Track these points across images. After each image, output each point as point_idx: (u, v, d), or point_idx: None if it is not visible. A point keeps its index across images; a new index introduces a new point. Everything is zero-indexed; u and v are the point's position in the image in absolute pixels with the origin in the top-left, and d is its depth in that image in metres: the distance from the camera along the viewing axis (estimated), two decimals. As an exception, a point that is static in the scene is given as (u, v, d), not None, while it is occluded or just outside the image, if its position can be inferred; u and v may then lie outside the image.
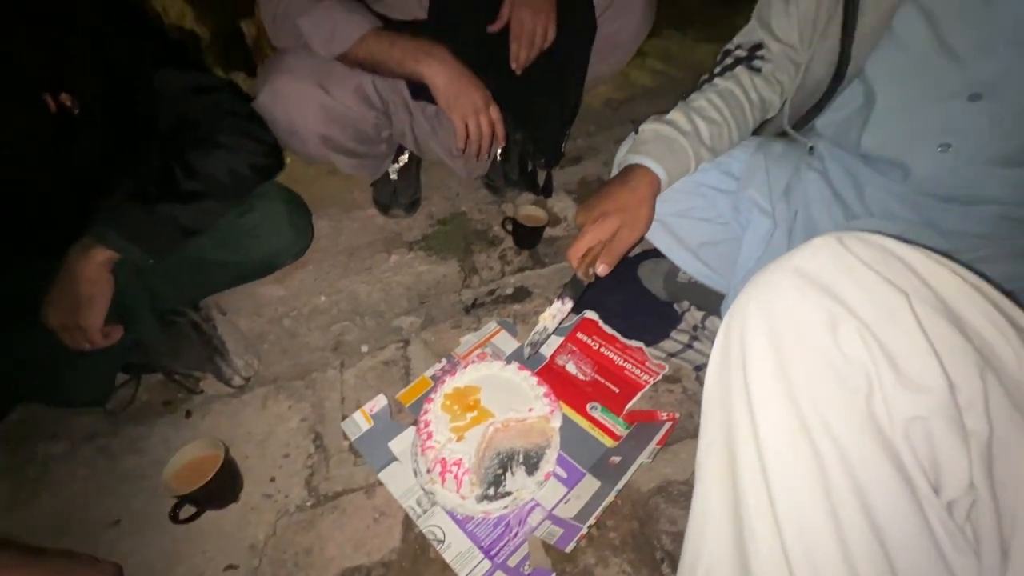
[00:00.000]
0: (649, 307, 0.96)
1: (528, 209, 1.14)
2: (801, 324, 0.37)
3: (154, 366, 0.93)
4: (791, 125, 0.78)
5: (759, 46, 0.74)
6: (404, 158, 1.23)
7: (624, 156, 0.76)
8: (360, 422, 0.84)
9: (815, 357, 0.36)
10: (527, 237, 1.14)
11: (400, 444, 0.82)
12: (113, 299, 0.80)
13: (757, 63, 0.74)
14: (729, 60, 0.75)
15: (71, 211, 0.82)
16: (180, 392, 0.95)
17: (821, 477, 0.35)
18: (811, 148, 0.79)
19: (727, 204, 0.77)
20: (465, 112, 0.90)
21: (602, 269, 0.72)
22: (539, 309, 1.02)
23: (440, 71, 0.88)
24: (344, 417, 0.87)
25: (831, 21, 0.64)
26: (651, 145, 0.73)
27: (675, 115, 0.74)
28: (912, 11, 0.58)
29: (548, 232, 1.18)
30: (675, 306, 0.96)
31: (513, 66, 0.97)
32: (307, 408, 0.91)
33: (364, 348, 0.99)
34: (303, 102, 0.93)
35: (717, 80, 0.74)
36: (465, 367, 0.85)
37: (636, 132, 0.78)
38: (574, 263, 0.74)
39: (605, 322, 0.94)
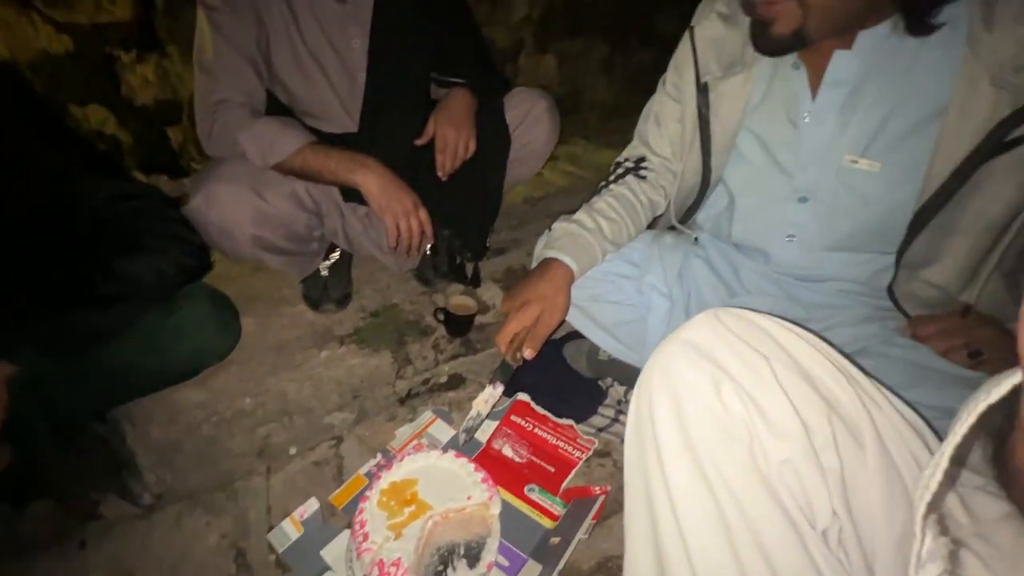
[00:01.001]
0: (576, 385, 1.02)
1: (458, 299, 1.20)
2: (693, 388, 0.44)
3: (45, 490, 0.83)
4: (677, 220, 0.93)
5: (642, 159, 0.90)
6: (335, 255, 1.27)
7: (541, 251, 0.87)
8: (289, 531, 0.79)
9: (707, 415, 0.43)
10: (458, 326, 1.19)
11: (334, 551, 0.77)
12: (5, 414, 0.73)
13: (643, 172, 0.90)
14: (620, 170, 0.91)
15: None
16: (74, 519, 0.84)
17: (723, 526, 0.40)
18: (696, 239, 0.94)
19: (632, 288, 0.88)
20: (396, 215, 0.99)
21: (528, 352, 0.79)
22: (473, 395, 1.05)
23: (372, 179, 0.97)
24: (271, 527, 0.81)
25: (693, 141, 0.81)
26: (562, 241, 0.84)
27: (581, 216, 0.86)
28: (749, 135, 0.75)
29: (478, 320, 1.24)
30: (600, 383, 1.03)
31: (439, 175, 1.09)
32: (228, 522, 0.84)
33: (293, 450, 0.95)
34: (237, 206, 0.97)
35: (612, 186, 0.89)
36: (401, 460, 0.84)
37: (550, 230, 0.90)
38: (502, 348, 0.81)
39: (536, 402, 0.98)
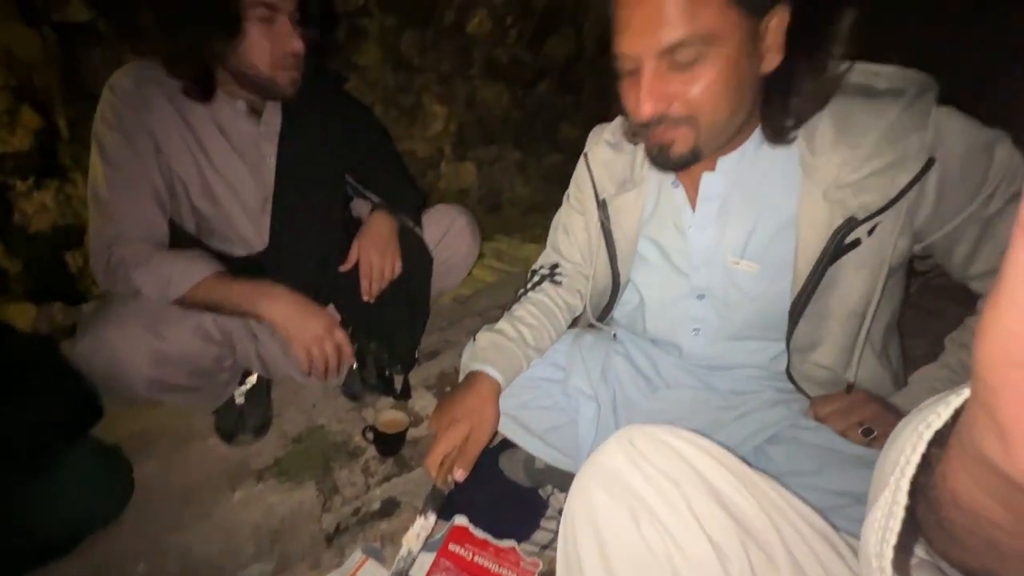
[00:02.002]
0: (515, 497, 0.98)
1: (388, 414, 1.15)
2: (614, 525, 0.45)
3: None
4: (595, 319, 0.97)
5: (556, 265, 0.96)
6: (252, 379, 1.19)
7: (466, 362, 0.87)
8: None
9: (629, 553, 0.43)
10: (389, 444, 1.13)
11: None
12: None
13: (558, 278, 0.95)
14: (536, 278, 0.96)
15: None
16: None
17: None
18: (615, 335, 0.98)
19: (559, 392, 0.89)
20: (306, 342, 0.95)
21: (459, 474, 0.76)
22: (408, 523, 0.97)
23: (276, 309, 0.94)
24: None
25: (599, 248, 0.87)
26: (487, 352, 0.85)
27: (503, 325, 0.89)
28: (647, 241, 0.83)
29: (411, 433, 1.18)
30: (540, 491, 1.00)
31: (365, 298, 1.09)
32: None
33: (196, 622, 0.82)
34: (131, 349, 0.89)
35: (530, 294, 0.93)
36: (326, 618, 0.74)
37: (474, 339, 0.91)
38: (432, 472, 0.77)
39: (474, 521, 0.92)
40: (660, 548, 0.42)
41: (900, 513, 0.28)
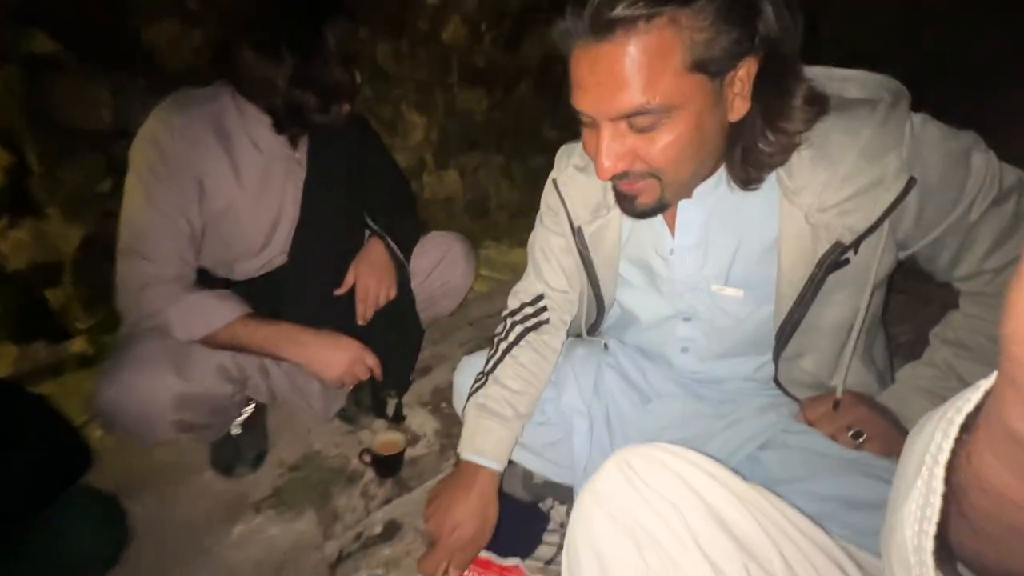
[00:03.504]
0: (516, 513, 0.98)
1: (385, 435, 1.15)
2: (616, 550, 0.45)
3: None
4: (586, 333, 0.97)
5: (540, 297, 0.91)
6: (249, 409, 1.18)
7: (461, 445, 0.85)
8: None
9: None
10: (388, 465, 1.12)
11: None
12: None
13: (543, 317, 0.90)
14: (520, 328, 0.89)
15: None
16: None
17: None
18: (605, 345, 0.98)
19: (552, 409, 0.89)
20: (338, 377, 1.02)
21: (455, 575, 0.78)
22: (411, 547, 0.98)
23: (302, 352, 0.98)
24: None
25: (581, 273, 0.85)
26: (479, 439, 0.83)
27: (493, 398, 0.85)
28: (628, 264, 0.81)
29: (409, 453, 1.18)
30: (540, 506, 1.00)
31: (360, 322, 1.11)
32: None
33: (203, 665, 0.82)
34: (157, 393, 0.91)
35: (515, 351, 0.88)
36: (334, 653, 0.74)
37: (471, 395, 0.88)
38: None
39: (479, 542, 0.93)
40: (662, 574, 0.42)
41: (937, 502, 0.26)
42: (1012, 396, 0.21)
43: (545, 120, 2.82)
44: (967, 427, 0.26)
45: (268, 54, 0.91)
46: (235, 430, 1.16)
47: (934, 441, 0.27)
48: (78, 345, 1.71)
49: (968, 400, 0.26)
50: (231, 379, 1.03)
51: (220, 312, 0.95)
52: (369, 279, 1.13)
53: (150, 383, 0.91)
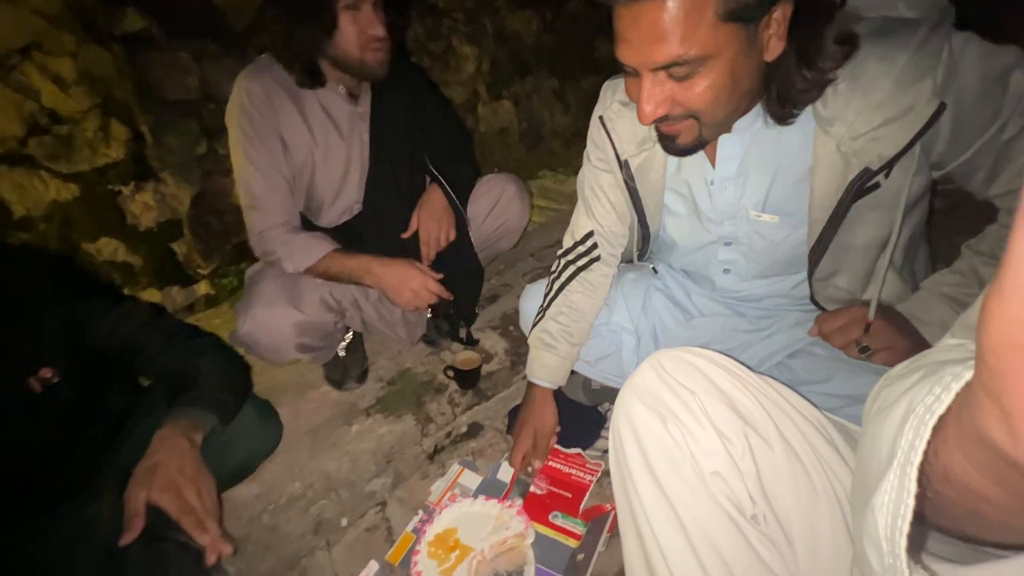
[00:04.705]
0: (578, 413, 1.15)
1: (464, 354, 1.34)
2: (647, 426, 0.58)
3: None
4: (636, 259, 1.06)
5: (590, 234, 0.98)
6: (349, 336, 1.41)
7: (528, 367, 1.06)
8: (357, 594, 0.92)
9: (659, 445, 0.56)
10: (468, 379, 1.32)
11: (398, 604, 0.90)
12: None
13: (595, 252, 0.98)
14: (572, 268, 1.00)
15: (65, 464, 0.90)
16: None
17: (681, 529, 0.53)
18: (654, 269, 1.07)
19: (605, 328, 1.02)
20: (409, 301, 1.18)
21: (537, 464, 1.03)
22: (492, 442, 1.18)
23: (380, 277, 1.16)
24: (342, 594, 0.94)
25: (629, 204, 0.92)
26: (536, 366, 1.03)
27: (549, 332, 1.00)
28: (673, 194, 0.87)
29: (485, 369, 1.37)
30: (598, 408, 1.16)
31: (424, 263, 1.26)
32: (304, 597, 0.97)
33: (344, 521, 1.09)
34: (281, 323, 1.15)
35: (567, 290, 1.00)
36: (440, 513, 0.97)
37: (534, 326, 1.04)
38: (515, 468, 1.03)
39: (547, 437, 1.12)
40: (681, 440, 0.55)
41: (911, 502, 0.27)
42: (988, 406, 0.22)
43: (597, 37, 2.70)
44: (936, 425, 0.27)
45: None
46: (340, 352, 1.40)
47: (905, 438, 0.28)
48: (203, 288, 2.04)
49: (939, 400, 0.27)
50: (332, 309, 1.24)
51: (316, 248, 1.15)
52: (430, 223, 1.26)
53: (276, 314, 1.15)
